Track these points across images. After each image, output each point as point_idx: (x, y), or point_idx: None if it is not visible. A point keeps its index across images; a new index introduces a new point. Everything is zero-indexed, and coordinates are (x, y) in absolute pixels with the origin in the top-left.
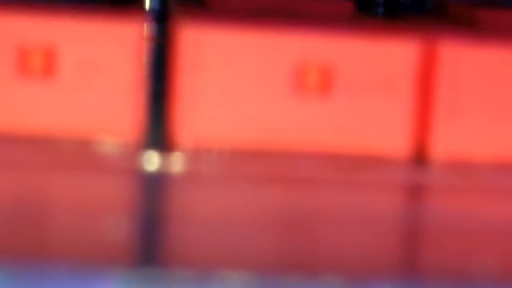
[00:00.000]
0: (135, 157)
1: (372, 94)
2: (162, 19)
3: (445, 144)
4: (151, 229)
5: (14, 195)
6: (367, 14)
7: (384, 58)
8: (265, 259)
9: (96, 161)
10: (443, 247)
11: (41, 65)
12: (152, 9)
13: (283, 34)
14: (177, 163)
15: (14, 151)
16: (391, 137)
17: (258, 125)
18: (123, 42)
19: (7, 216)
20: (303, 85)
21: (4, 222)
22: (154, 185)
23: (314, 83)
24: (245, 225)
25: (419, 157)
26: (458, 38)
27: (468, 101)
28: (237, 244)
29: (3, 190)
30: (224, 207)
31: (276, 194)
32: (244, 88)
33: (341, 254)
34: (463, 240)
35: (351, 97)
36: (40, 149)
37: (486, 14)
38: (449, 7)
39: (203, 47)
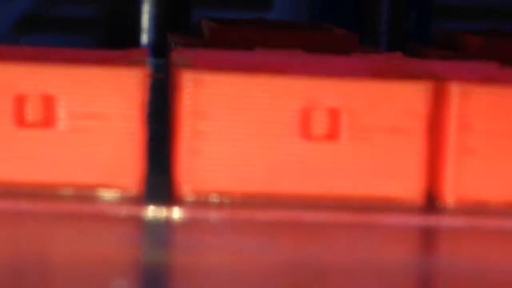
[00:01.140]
0: (137, 207)
1: (381, 136)
2: (161, 55)
3: (457, 187)
4: (157, 283)
5: (14, 250)
6: (371, 44)
7: (393, 100)
8: None
9: (97, 212)
10: None
11: (39, 114)
12: (150, 44)
13: (289, 76)
14: (181, 212)
15: (13, 201)
16: (402, 180)
17: (264, 170)
18: (123, 88)
19: (6, 274)
20: (311, 128)
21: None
22: (158, 236)
23: (322, 126)
24: (253, 276)
25: (432, 200)
26: (467, 75)
27: (479, 141)
28: None
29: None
30: (231, 257)
31: (284, 242)
32: (249, 132)
33: None
34: (475, 285)
35: (359, 139)
36: (40, 199)
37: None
38: (453, 35)
39: (204, 89)
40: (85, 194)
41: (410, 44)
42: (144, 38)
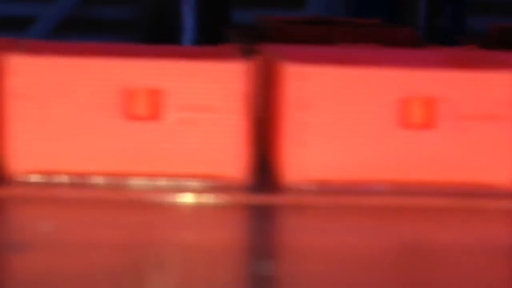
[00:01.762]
0: (245, 196)
1: (477, 124)
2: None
3: None
4: (269, 263)
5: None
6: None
7: (484, 88)
8: None
9: (211, 201)
10: None
11: (147, 107)
12: (191, 43)
13: (386, 68)
14: (286, 198)
15: (126, 192)
16: (496, 166)
17: (365, 158)
18: (229, 82)
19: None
20: (409, 117)
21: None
22: (269, 222)
23: (420, 115)
24: (362, 258)
25: None
26: None
27: None
28: (357, 277)
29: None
30: (339, 241)
31: (390, 226)
32: (349, 123)
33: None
34: None
35: (456, 128)
36: (155, 190)
37: None
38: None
39: (308, 81)
40: (194, 184)
41: (461, 39)
42: (185, 38)
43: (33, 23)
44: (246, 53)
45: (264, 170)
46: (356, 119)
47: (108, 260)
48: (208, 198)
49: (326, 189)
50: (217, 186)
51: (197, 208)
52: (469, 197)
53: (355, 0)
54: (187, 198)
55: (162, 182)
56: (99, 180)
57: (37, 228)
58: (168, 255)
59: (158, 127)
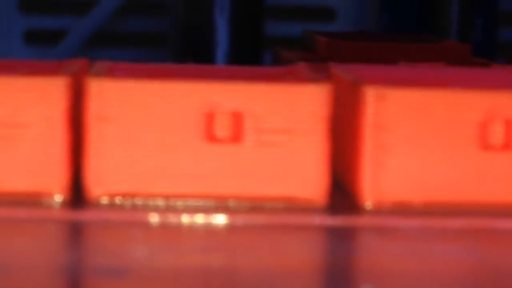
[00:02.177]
0: (326, 217)
1: None
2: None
3: None
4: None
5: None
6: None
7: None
8: None
9: (290, 223)
10: None
11: (228, 129)
12: (225, 58)
13: (468, 90)
14: (366, 220)
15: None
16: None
17: (445, 179)
18: (307, 104)
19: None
20: (488, 139)
21: None
22: (349, 242)
23: (498, 137)
24: (448, 279)
25: None
26: None
27: None
28: None
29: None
30: (422, 263)
31: (475, 247)
32: (430, 143)
33: None
34: None
35: None
36: (234, 211)
37: None
38: None
39: (387, 103)
40: (275, 206)
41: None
42: (219, 52)
43: (64, 36)
44: (319, 75)
45: (342, 193)
46: (435, 141)
47: (201, 283)
48: (288, 220)
49: (405, 211)
50: (297, 208)
51: (278, 229)
52: None
53: (387, 13)
54: (267, 220)
55: (242, 204)
56: (180, 202)
57: (130, 253)
58: (257, 278)
59: (238, 149)
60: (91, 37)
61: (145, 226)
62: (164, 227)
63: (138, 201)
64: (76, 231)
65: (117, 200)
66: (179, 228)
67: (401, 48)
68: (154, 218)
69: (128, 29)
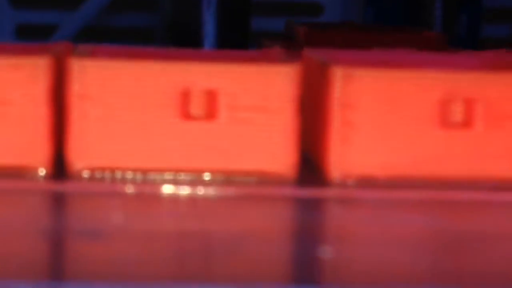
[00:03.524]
0: (294, 190)
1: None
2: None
3: None
4: (321, 249)
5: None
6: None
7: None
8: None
9: (262, 194)
10: None
11: (203, 107)
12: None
13: (429, 71)
14: (332, 192)
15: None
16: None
17: (407, 155)
18: (278, 84)
19: None
20: (448, 117)
21: None
22: (315, 211)
23: (458, 115)
24: (404, 243)
25: None
26: None
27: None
28: (399, 261)
29: None
30: (383, 229)
31: (429, 217)
32: (393, 122)
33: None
34: None
35: (493, 127)
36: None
37: None
38: None
39: (353, 83)
40: (247, 180)
41: (481, 45)
42: (205, 45)
43: (54, 31)
44: (291, 57)
45: (311, 167)
46: (397, 119)
47: (175, 246)
48: (258, 191)
49: (369, 184)
50: (267, 181)
51: (250, 200)
52: (499, 189)
53: (372, 7)
54: (239, 192)
55: (216, 178)
56: (157, 176)
57: (109, 219)
58: (230, 242)
59: (213, 126)
60: (81, 32)
61: (123, 196)
62: (140, 197)
63: (117, 175)
64: (58, 201)
65: (97, 174)
66: (155, 199)
67: (379, 38)
68: (131, 189)
69: (117, 23)
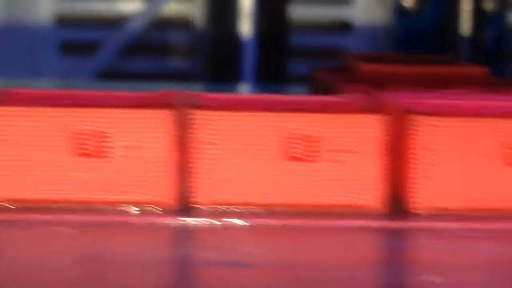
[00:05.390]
0: (382, 221)
1: None
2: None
3: None
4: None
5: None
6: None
7: None
8: None
9: (337, 225)
10: None
11: (303, 150)
12: (251, 70)
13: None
14: (419, 223)
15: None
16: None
17: (477, 190)
18: (368, 131)
19: None
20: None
21: None
22: (404, 241)
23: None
24: (489, 270)
25: None
26: None
27: None
28: None
29: None
30: (468, 257)
31: (506, 246)
32: (464, 163)
33: None
34: None
35: None
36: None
37: None
38: None
39: (435, 130)
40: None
41: None
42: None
43: (98, 48)
44: (375, 104)
45: (396, 202)
46: (471, 159)
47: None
48: (353, 223)
49: (449, 215)
50: (360, 213)
51: (346, 231)
52: None
53: (399, 35)
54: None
55: (316, 211)
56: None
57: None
58: (342, 271)
59: (314, 167)
60: (124, 49)
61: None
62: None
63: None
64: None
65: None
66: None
67: (430, 71)
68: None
69: (158, 41)
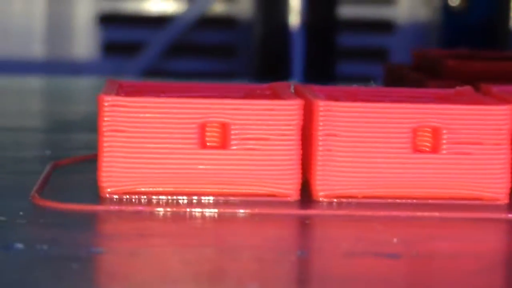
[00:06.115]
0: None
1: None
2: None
3: None
4: None
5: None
6: None
7: None
8: None
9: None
10: None
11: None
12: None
13: None
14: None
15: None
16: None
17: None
18: (496, 121)
19: None
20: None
21: None
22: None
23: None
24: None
25: None
26: None
27: None
28: None
29: None
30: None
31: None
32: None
33: None
34: None
35: None
36: None
37: None
38: None
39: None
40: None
41: None
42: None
43: (141, 49)
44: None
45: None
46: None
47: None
48: (479, 215)
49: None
50: (484, 204)
51: (474, 224)
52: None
53: (446, 32)
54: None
55: (435, 202)
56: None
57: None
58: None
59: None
60: (169, 49)
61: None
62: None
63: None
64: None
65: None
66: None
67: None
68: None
69: (201, 41)
